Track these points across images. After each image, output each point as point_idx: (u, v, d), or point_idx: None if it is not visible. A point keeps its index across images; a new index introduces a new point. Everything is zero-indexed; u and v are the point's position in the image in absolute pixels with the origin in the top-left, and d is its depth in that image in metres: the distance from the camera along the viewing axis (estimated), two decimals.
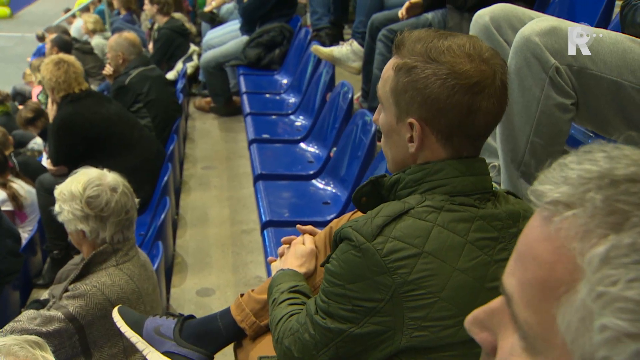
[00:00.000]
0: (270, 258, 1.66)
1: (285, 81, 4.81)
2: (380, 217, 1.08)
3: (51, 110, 3.75)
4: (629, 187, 0.43)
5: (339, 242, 1.14)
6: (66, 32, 7.36)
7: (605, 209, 0.43)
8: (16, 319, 1.92)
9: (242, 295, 1.58)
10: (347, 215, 1.56)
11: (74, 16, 9.33)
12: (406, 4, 3.14)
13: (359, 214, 1.32)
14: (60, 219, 2.02)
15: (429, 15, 3.09)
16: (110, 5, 8.43)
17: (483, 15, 1.77)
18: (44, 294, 2.43)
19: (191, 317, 1.63)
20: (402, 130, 1.15)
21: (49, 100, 3.79)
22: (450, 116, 1.10)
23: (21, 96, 6.98)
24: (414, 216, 1.08)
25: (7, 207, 3.81)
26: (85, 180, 1.98)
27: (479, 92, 1.08)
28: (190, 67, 5.76)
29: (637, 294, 0.40)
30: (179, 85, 5.27)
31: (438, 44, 1.10)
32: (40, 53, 7.87)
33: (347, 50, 3.68)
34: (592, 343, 0.42)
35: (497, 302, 0.52)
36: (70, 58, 3.73)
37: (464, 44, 1.09)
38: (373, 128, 2.73)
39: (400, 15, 3.18)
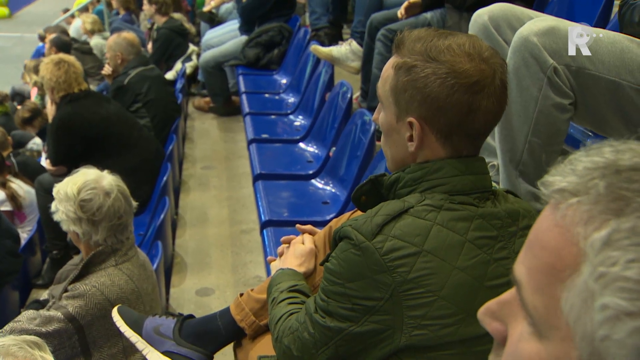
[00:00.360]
0: (269, 257, 1.66)
1: (284, 81, 4.81)
2: (379, 216, 1.08)
3: (50, 110, 3.75)
4: (632, 175, 0.45)
5: (338, 241, 1.14)
6: (65, 32, 7.36)
7: (608, 196, 0.45)
8: (16, 319, 1.92)
9: (241, 294, 1.58)
10: (346, 215, 1.56)
11: (72, 16, 9.33)
12: (405, 4, 3.14)
13: (359, 213, 1.32)
14: (55, 218, 2.02)
15: (428, 15, 3.09)
16: (109, 5, 8.43)
17: (482, 14, 1.77)
18: (44, 294, 2.44)
19: (191, 316, 1.63)
20: (402, 129, 1.15)
21: (48, 100, 3.79)
22: (449, 115, 1.10)
23: (20, 96, 6.98)
24: (414, 215, 1.08)
25: (6, 207, 3.80)
26: (82, 182, 1.98)
27: (478, 91, 1.08)
28: (189, 67, 5.76)
29: (636, 274, 0.42)
30: (178, 85, 5.27)
31: (438, 43, 1.10)
32: (39, 53, 7.87)
33: (346, 49, 3.68)
34: (593, 322, 0.44)
35: (508, 293, 0.54)
36: (71, 58, 3.73)
37: (464, 43, 1.10)
38: (372, 127, 2.73)
39: (399, 14, 3.18)
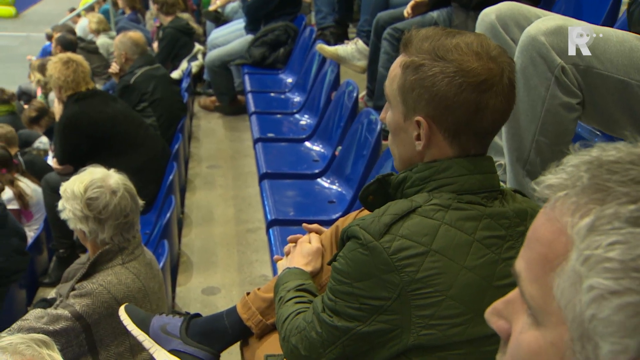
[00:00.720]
0: (276, 257, 1.66)
1: (290, 80, 4.81)
2: (387, 216, 1.08)
3: (57, 109, 3.76)
4: (613, 167, 0.50)
5: (346, 240, 1.14)
6: (72, 31, 7.39)
7: (592, 187, 0.50)
8: (23, 317, 1.92)
9: (248, 293, 1.58)
10: (353, 214, 1.56)
11: (79, 15, 9.36)
12: (411, 2, 3.14)
13: (365, 212, 1.32)
14: (62, 216, 2.03)
15: (435, 14, 3.08)
16: (115, 4, 8.45)
17: (489, 13, 1.76)
18: (51, 293, 2.44)
19: (197, 315, 1.63)
20: (410, 128, 1.15)
21: (55, 99, 3.80)
22: (457, 114, 1.10)
23: (27, 95, 7.01)
24: (422, 214, 1.08)
25: (13, 205, 3.82)
26: (89, 180, 1.98)
27: (486, 90, 1.08)
28: (195, 66, 5.76)
29: (618, 254, 0.46)
30: (184, 84, 5.28)
31: (445, 42, 1.10)
32: (46, 52, 7.90)
33: (352, 49, 3.68)
34: (582, 304, 0.47)
35: (513, 293, 0.57)
36: (78, 57, 3.74)
37: (472, 42, 1.09)
38: (378, 127, 2.73)
39: (405, 13, 3.17)
